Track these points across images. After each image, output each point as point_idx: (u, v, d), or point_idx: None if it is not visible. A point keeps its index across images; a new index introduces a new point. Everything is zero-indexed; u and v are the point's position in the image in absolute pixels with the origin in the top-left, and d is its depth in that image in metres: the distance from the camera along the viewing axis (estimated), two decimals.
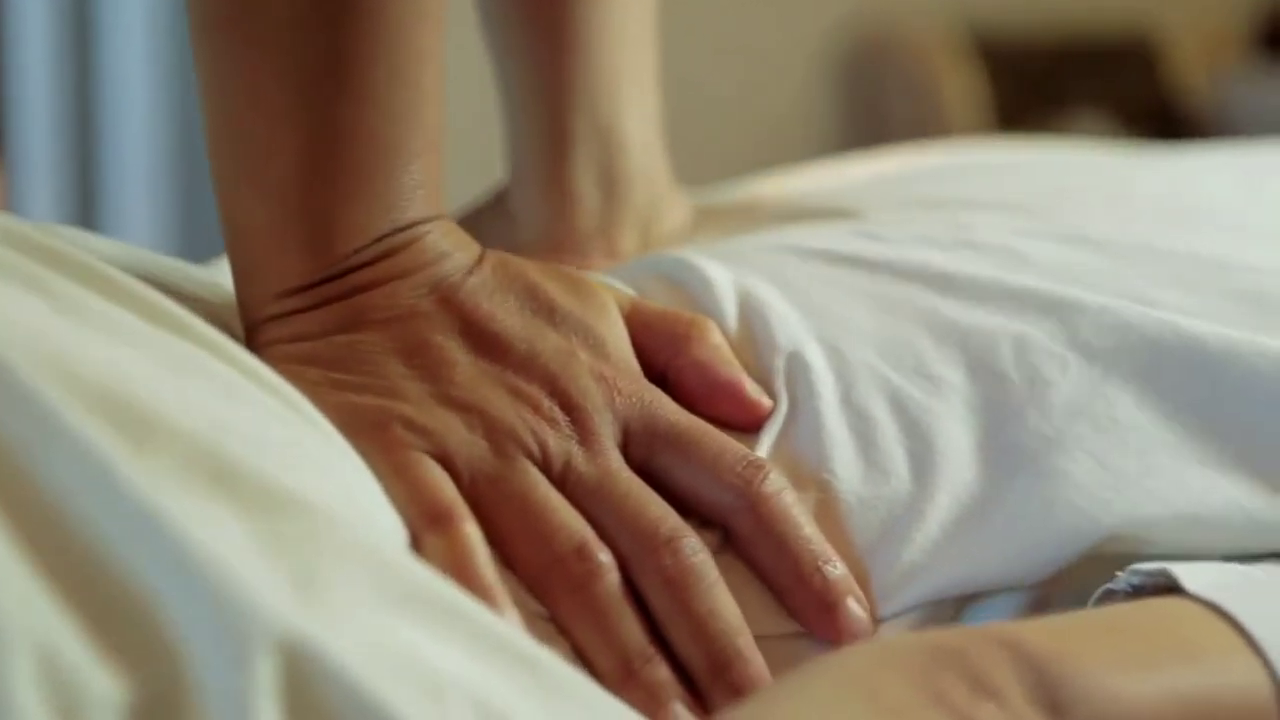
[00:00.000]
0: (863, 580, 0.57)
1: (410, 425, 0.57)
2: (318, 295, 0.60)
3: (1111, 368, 0.60)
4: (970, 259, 0.65)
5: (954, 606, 0.58)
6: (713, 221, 0.80)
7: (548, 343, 0.60)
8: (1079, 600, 0.56)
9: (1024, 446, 0.59)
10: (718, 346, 0.63)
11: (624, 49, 0.78)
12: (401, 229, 0.61)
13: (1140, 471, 0.58)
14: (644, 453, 0.59)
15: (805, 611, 0.57)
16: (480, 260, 0.62)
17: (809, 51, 3.06)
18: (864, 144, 0.83)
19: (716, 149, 2.61)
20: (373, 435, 0.57)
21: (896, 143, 2.43)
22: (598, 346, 0.61)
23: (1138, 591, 0.54)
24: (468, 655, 0.49)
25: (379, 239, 0.60)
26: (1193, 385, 0.60)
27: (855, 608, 0.56)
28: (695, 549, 0.57)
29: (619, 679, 0.55)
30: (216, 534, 0.47)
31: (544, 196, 0.80)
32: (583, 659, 0.56)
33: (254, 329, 0.61)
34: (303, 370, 0.59)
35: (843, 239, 0.68)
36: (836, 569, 0.57)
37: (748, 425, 0.61)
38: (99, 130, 2.39)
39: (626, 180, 0.80)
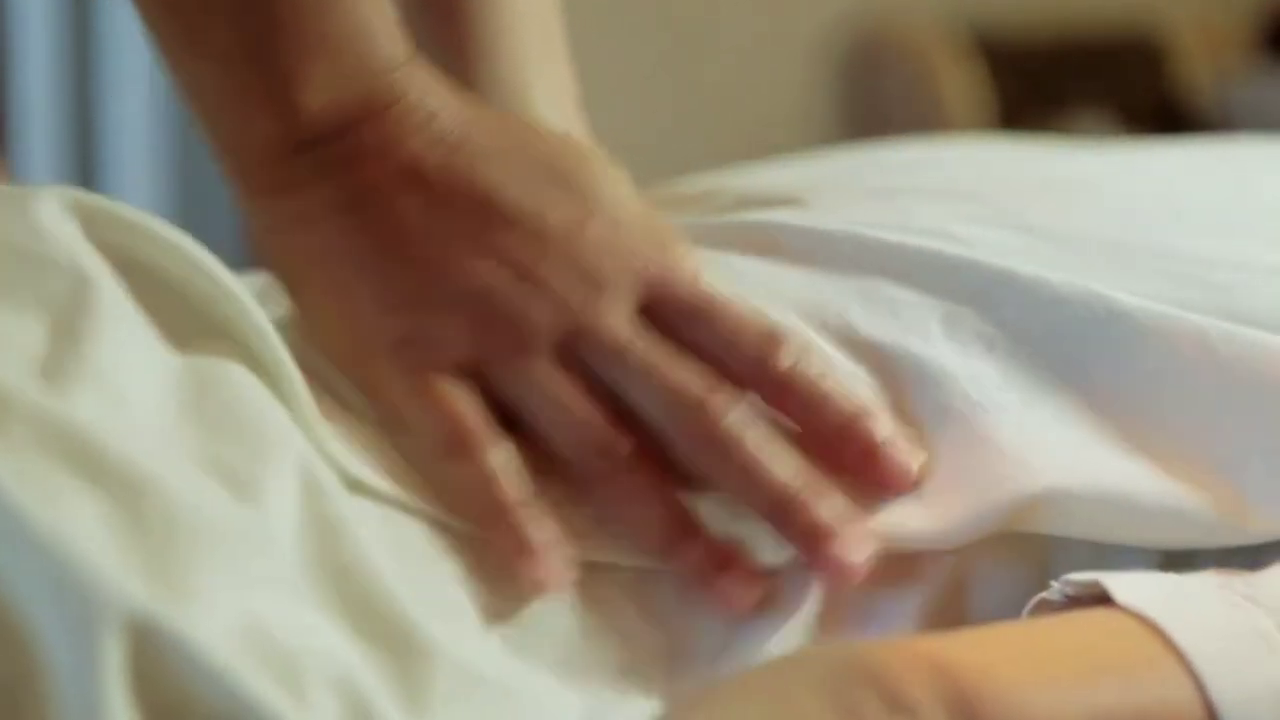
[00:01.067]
0: None
1: (414, 339, 0.56)
2: (308, 165, 0.58)
3: (1040, 345, 0.59)
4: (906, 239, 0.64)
5: None
6: (663, 208, 0.80)
7: (555, 213, 0.58)
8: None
9: (951, 409, 0.57)
10: None
11: (528, 31, 0.75)
12: (374, 80, 0.58)
13: (1062, 445, 0.56)
14: (664, 323, 0.58)
15: (853, 463, 0.56)
16: (473, 119, 0.59)
17: (807, 49, 3.04)
18: (862, 142, 0.82)
19: (714, 146, 2.60)
20: (384, 358, 0.56)
21: (896, 141, 2.42)
22: (605, 212, 0.59)
23: (1073, 602, 0.53)
24: (339, 635, 0.48)
25: (354, 95, 0.58)
26: (1114, 363, 0.58)
27: (895, 446, 0.56)
28: (727, 404, 0.56)
29: (666, 558, 0.55)
30: (63, 512, 0.46)
31: None
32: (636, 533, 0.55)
33: (256, 207, 0.59)
34: (308, 270, 0.58)
35: (780, 219, 0.67)
36: (866, 411, 0.57)
37: None
38: (99, 132, 2.39)
39: None
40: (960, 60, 2.97)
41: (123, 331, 0.53)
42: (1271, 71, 3.13)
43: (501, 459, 0.56)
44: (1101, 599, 0.52)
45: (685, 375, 0.57)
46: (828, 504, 0.55)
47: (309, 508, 0.52)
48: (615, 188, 0.60)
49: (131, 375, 0.52)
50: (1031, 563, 0.56)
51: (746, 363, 0.58)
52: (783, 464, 0.56)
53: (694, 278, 0.59)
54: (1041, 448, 0.56)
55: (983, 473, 0.56)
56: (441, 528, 0.55)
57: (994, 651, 0.49)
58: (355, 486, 0.54)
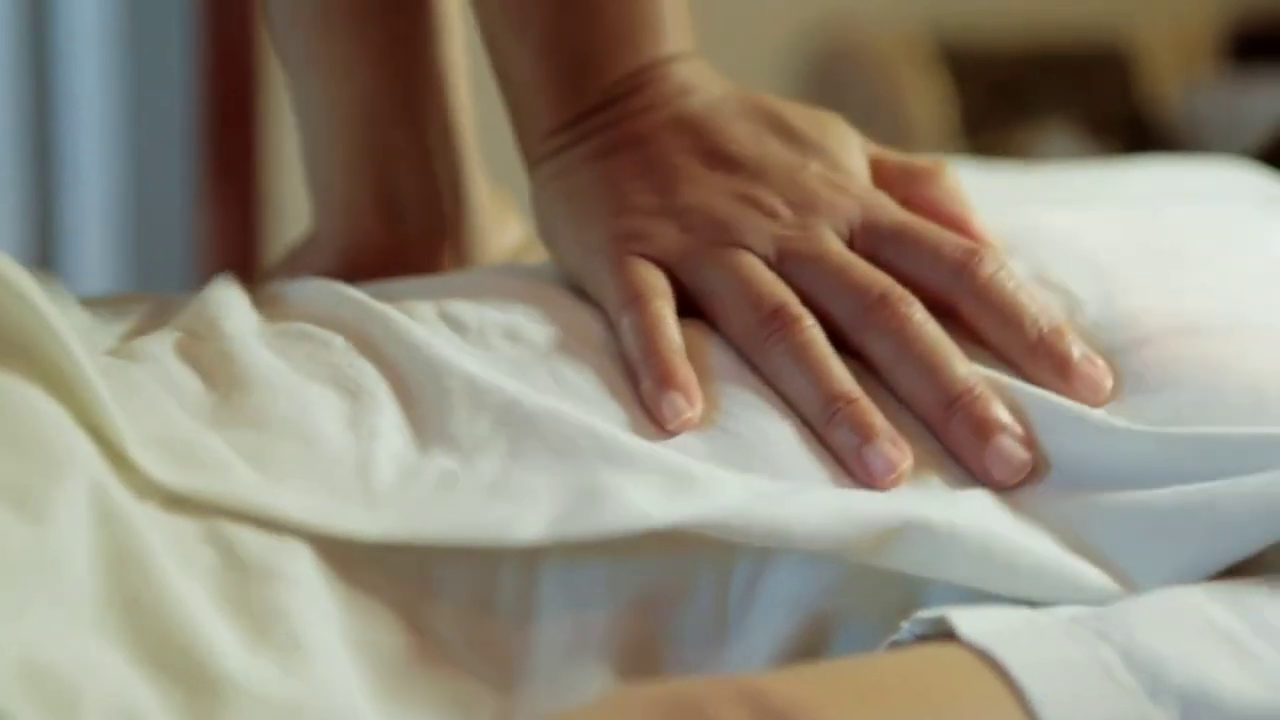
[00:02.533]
0: None
1: (631, 235, 0.62)
2: (576, 133, 0.66)
3: None
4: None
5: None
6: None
7: (779, 158, 0.64)
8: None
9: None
10: (950, 188, 0.66)
11: (453, 68, 0.80)
12: (649, 66, 0.67)
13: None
14: (870, 248, 0.62)
15: (1041, 374, 0.58)
16: (726, 95, 0.67)
17: (770, 59, 3.05)
18: None
19: None
20: (601, 252, 0.62)
21: None
22: (828, 161, 0.65)
23: (923, 642, 0.51)
24: (128, 667, 0.47)
25: (629, 75, 0.66)
26: None
27: (1089, 362, 0.58)
28: (911, 301, 0.59)
29: (823, 421, 0.57)
30: None
31: (352, 215, 0.78)
32: (796, 411, 0.58)
33: (532, 174, 0.68)
34: (555, 207, 0.66)
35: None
36: (1060, 328, 0.59)
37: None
38: (56, 149, 2.37)
39: (450, 198, 0.79)
40: (925, 70, 2.96)
41: None
42: (1239, 81, 3.12)
43: (668, 311, 0.60)
44: (950, 636, 0.50)
45: (875, 274, 0.60)
46: (997, 404, 0.57)
47: (102, 529, 0.50)
48: (841, 144, 0.66)
49: None
50: (897, 612, 0.54)
51: (947, 274, 0.61)
52: (961, 361, 0.58)
53: (899, 210, 0.63)
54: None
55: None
56: (284, 533, 0.52)
57: (817, 685, 0.48)
58: (174, 501, 0.52)
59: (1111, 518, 0.54)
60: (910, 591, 0.54)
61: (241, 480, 0.53)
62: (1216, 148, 1.53)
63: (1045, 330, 0.59)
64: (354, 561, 0.52)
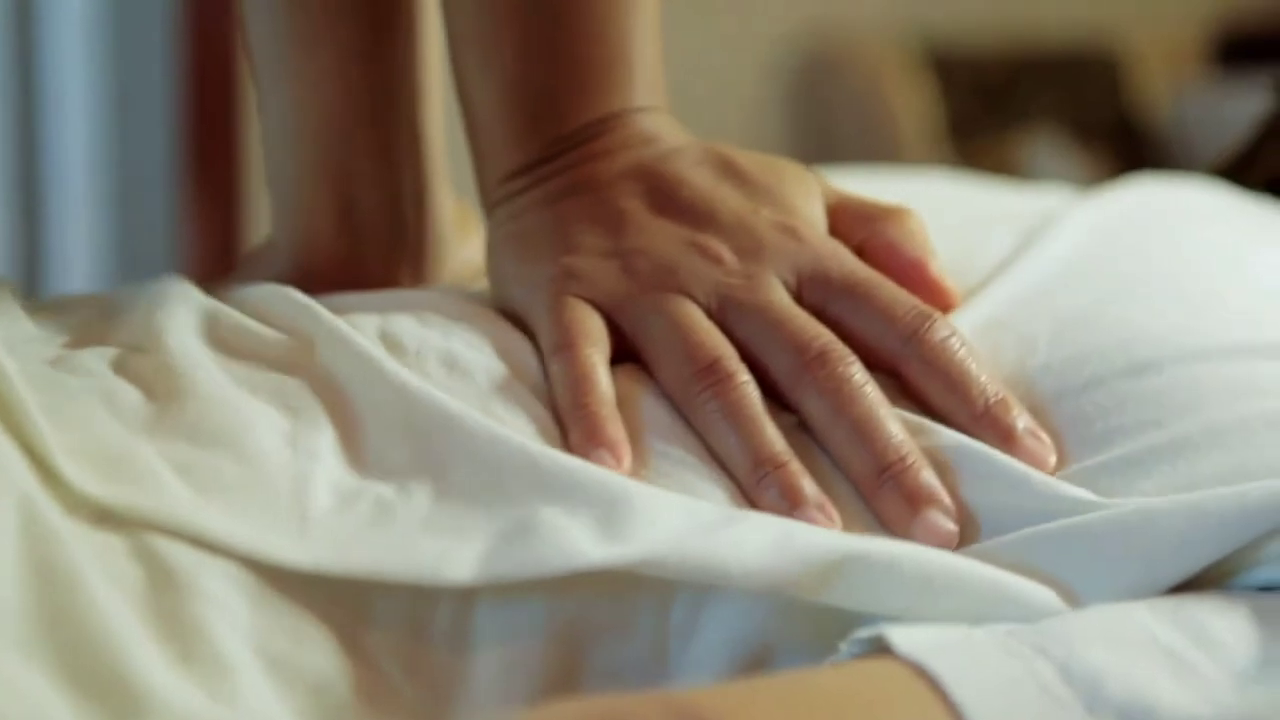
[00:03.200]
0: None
1: (572, 274, 0.61)
2: (533, 177, 0.65)
3: None
4: None
5: None
6: None
7: (730, 203, 0.63)
8: None
9: None
10: (911, 232, 0.64)
11: (427, 76, 0.78)
12: (613, 115, 0.66)
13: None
14: (819, 300, 0.61)
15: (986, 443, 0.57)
16: (687, 144, 0.66)
17: (756, 65, 3.04)
18: (813, 160, 0.80)
19: None
20: (541, 289, 0.61)
21: (846, 157, 2.42)
22: (782, 208, 0.63)
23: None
24: (50, 688, 0.46)
25: (591, 122, 0.65)
26: None
27: (1033, 436, 0.57)
28: (850, 360, 0.58)
29: (752, 483, 0.56)
30: None
31: (309, 222, 0.77)
32: (725, 469, 0.57)
33: (488, 218, 0.67)
34: (504, 248, 0.65)
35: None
36: (1006, 400, 0.58)
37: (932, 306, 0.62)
38: (42, 145, 2.39)
39: (413, 211, 0.77)
40: (912, 76, 2.95)
41: None
42: (1227, 85, 3.12)
43: (600, 360, 0.59)
44: (887, 651, 0.50)
45: (816, 329, 0.59)
46: (928, 473, 0.56)
47: (28, 543, 0.49)
48: (797, 190, 0.64)
49: None
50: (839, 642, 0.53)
51: (896, 338, 0.60)
52: (896, 426, 0.57)
53: (853, 261, 0.62)
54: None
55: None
56: (215, 552, 0.51)
57: (747, 698, 0.48)
58: (104, 516, 0.51)
59: (1050, 543, 0.53)
60: (851, 624, 0.53)
61: (172, 496, 0.52)
62: (1204, 152, 1.53)
63: (991, 401, 0.58)
64: (288, 584, 0.51)
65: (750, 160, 0.65)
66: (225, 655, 0.49)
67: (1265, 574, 0.51)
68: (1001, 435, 0.57)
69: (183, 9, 2.29)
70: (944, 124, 2.92)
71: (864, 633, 0.50)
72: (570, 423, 0.57)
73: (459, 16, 0.67)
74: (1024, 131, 2.95)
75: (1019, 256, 0.66)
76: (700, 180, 0.64)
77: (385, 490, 0.53)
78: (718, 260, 0.61)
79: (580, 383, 0.57)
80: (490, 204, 0.67)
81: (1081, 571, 0.52)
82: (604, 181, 0.64)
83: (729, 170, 0.64)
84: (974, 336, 0.61)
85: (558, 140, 0.65)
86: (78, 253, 2.36)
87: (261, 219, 2.26)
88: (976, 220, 0.72)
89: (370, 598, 0.52)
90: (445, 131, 0.77)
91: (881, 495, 0.56)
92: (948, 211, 0.71)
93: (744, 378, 0.58)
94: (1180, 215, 0.73)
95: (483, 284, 0.70)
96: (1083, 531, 0.53)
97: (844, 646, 0.51)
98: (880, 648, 0.49)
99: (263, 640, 0.50)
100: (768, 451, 0.56)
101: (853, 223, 0.64)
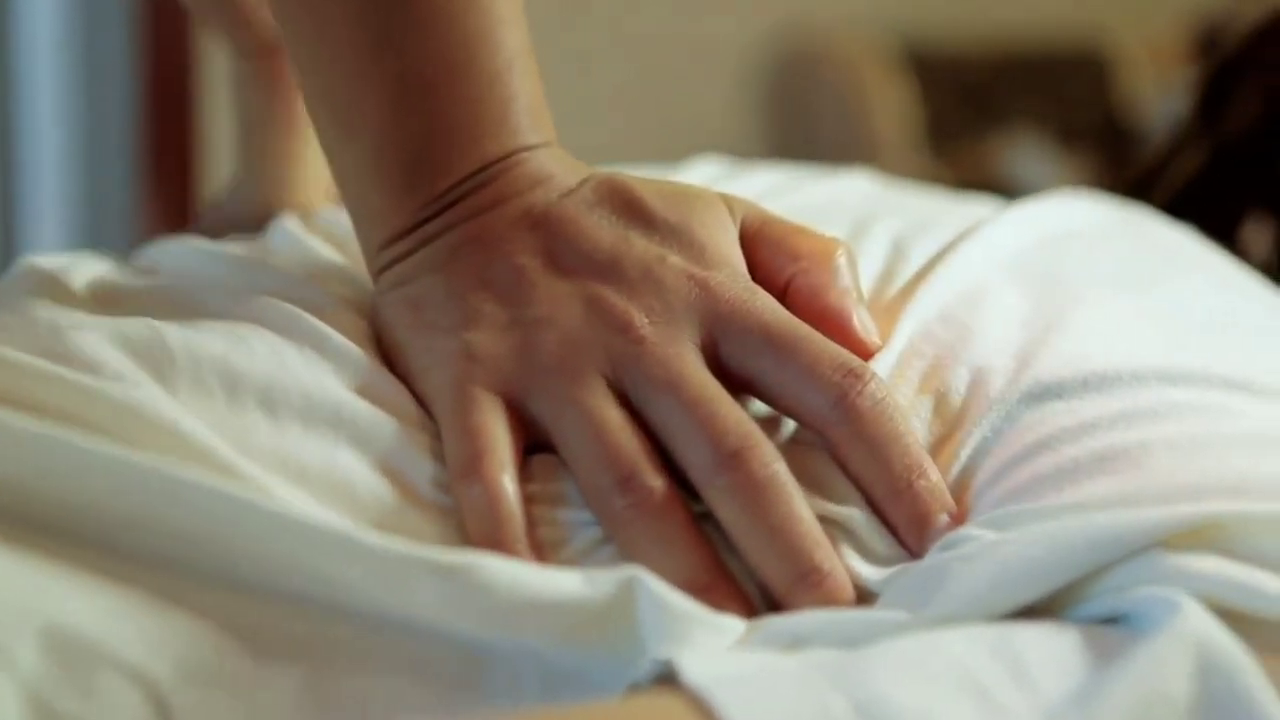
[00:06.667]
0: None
1: (474, 357, 0.58)
2: (416, 238, 0.61)
3: None
4: None
5: None
6: None
7: (635, 251, 0.59)
8: None
9: None
10: (838, 270, 0.61)
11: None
12: (495, 161, 0.61)
13: None
14: (736, 356, 0.58)
15: (897, 521, 0.56)
16: (583, 182, 0.61)
17: (736, 62, 3.05)
18: (791, 159, 0.78)
19: (642, 159, 2.56)
20: (444, 372, 0.58)
21: (825, 158, 2.40)
22: (693, 250, 0.60)
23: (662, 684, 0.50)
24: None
25: (472, 174, 0.61)
26: None
27: (949, 526, 0.55)
28: (766, 459, 0.55)
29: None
30: None
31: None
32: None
33: (374, 281, 0.63)
34: (399, 316, 0.60)
35: None
36: (931, 481, 0.56)
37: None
38: (13, 132, 2.44)
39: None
40: (892, 75, 2.95)
41: None
42: None
43: (509, 481, 0.56)
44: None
45: (731, 419, 0.56)
46: (838, 578, 0.54)
47: None
48: (707, 224, 0.61)
49: None
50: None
51: (822, 401, 0.57)
52: (814, 528, 0.55)
53: (773, 311, 0.59)
54: None
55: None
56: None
57: None
58: None
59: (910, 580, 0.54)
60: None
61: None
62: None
63: (915, 480, 0.56)
64: None
65: (655, 193, 0.61)
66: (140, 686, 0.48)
67: (1095, 608, 0.51)
68: (917, 518, 0.56)
69: (141, 16, 2.38)
70: (925, 125, 2.92)
71: (661, 656, 0.50)
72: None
73: (312, 75, 0.63)
74: (1006, 133, 2.96)
75: (925, 277, 0.64)
76: (600, 226, 0.60)
77: None
78: (625, 326, 0.58)
79: (492, 511, 0.55)
80: (374, 270, 0.63)
81: (930, 596, 0.52)
82: (496, 236, 0.60)
83: (631, 209, 0.61)
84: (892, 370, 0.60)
85: (439, 196, 0.61)
86: (48, 225, 2.44)
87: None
88: (862, 227, 0.69)
89: None
90: None
91: (796, 603, 0.54)
92: (837, 218, 0.69)
93: (664, 491, 0.55)
94: (1095, 235, 0.72)
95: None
96: (931, 568, 0.54)
97: (645, 665, 0.50)
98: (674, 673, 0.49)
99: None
100: (693, 576, 0.54)
101: (774, 259, 0.61)
